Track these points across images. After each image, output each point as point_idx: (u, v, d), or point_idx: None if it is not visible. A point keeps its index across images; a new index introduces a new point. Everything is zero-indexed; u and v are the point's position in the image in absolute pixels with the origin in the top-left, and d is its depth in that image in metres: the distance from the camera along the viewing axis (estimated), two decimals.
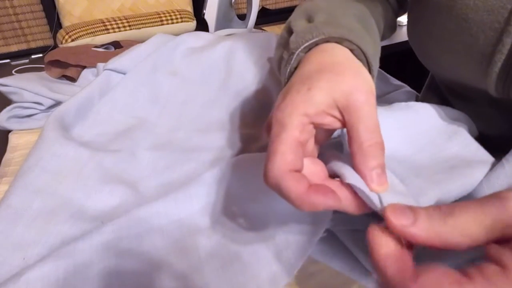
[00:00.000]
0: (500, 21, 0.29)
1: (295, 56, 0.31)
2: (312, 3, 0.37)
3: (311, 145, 0.27)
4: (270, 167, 0.23)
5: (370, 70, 0.30)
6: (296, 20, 0.35)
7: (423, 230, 0.19)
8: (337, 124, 0.26)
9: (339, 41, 0.30)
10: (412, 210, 0.19)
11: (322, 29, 0.30)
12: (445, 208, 0.19)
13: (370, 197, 0.22)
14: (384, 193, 0.23)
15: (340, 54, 0.29)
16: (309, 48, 0.31)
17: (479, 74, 0.33)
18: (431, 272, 0.17)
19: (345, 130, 0.26)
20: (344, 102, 0.25)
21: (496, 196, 0.19)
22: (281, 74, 0.34)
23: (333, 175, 0.26)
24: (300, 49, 0.31)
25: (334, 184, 0.24)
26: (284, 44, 0.34)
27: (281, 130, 0.24)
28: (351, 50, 0.30)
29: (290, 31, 0.34)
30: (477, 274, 0.17)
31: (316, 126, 0.26)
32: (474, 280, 0.17)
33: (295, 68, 0.31)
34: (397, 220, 0.19)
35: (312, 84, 0.26)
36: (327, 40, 0.30)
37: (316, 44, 0.31)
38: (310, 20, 0.34)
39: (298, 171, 0.24)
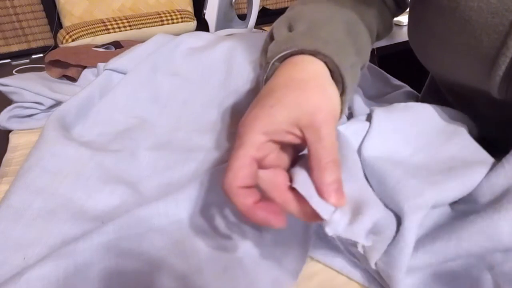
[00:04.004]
0: (505, 23, 0.29)
1: (270, 65, 0.32)
2: (297, 10, 0.37)
3: (274, 158, 0.28)
4: (224, 181, 0.26)
5: (343, 83, 0.31)
6: (278, 28, 0.36)
7: None
8: (297, 141, 0.27)
9: (313, 53, 0.31)
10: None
11: (298, 40, 0.31)
12: None
13: (321, 210, 0.24)
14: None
15: (309, 69, 0.30)
16: (284, 58, 0.32)
17: (481, 76, 0.33)
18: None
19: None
20: (306, 122, 0.26)
21: None
22: (260, 81, 0.35)
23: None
24: (275, 59, 0.32)
25: (288, 197, 0.26)
26: (265, 49, 0.36)
27: (239, 146, 0.26)
28: (325, 62, 0.31)
29: (272, 38, 0.35)
30: None
31: (277, 143, 0.27)
32: None
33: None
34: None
35: (275, 100, 0.27)
36: (301, 52, 0.31)
37: (291, 54, 0.31)
38: (290, 29, 0.35)
39: (249, 186, 0.26)
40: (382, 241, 0.27)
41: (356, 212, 0.26)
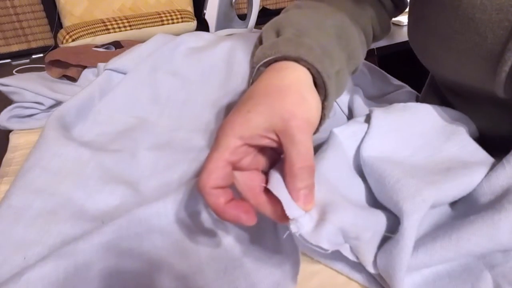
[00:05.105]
0: (510, 19, 0.29)
1: (255, 70, 0.33)
2: (287, 15, 0.38)
3: (250, 161, 0.29)
4: (198, 182, 0.27)
5: (325, 89, 0.31)
6: (266, 32, 0.37)
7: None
8: (274, 145, 0.28)
9: (296, 60, 0.31)
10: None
11: (282, 46, 0.32)
12: None
13: (288, 208, 0.25)
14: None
15: (290, 76, 0.30)
16: (269, 63, 0.32)
17: (485, 73, 0.33)
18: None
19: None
20: (281, 127, 0.27)
21: None
22: (248, 84, 0.36)
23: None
24: (260, 64, 0.32)
25: (262, 198, 0.27)
26: (253, 53, 0.36)
27: (215, 149, 0.27)
28: (308, 69, 0.31)
29: (261, 42, 0.36)
30: None
31: (253, 146, 0.28)
32: None
33: None
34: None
35: (252, 106, 0.28)
36: (285, 58, 0.32)
37: (275, 60, 0.32)
38: (278, 34, 0.36)
39: (222, 187, 0.27)
40: (365, 243, 0.27)
41: (321, 218, 0.26)
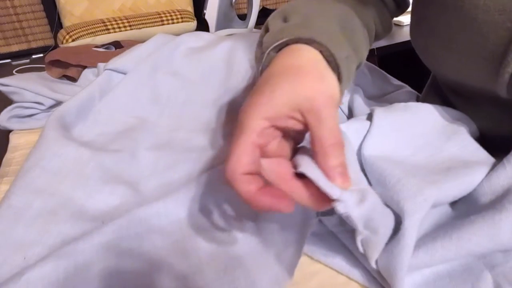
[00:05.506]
0: None
1: (265, 55, 0.32)
2: (291, 5, 0.38)
3: (276, 146, 0.28)
4: (226, 169, 0.25)
5: (338, 72, 0.31)
6: (273, 20, 0.36)
7: None
8: (299, 126, 0.27)
9: (308, 42, 0.30)
10: None
11: (293, 30, 0.31)
12: None
13: (329, 189, 0.24)
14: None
15: (306, 56, 0.29)
16: (279, 48, 0.31)
17: (488, 74, 0.32)
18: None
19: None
20: (307, 106, 0.26)
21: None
22: (256, 72, 0.35)
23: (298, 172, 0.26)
24: (270, 48, 0.31)
25: (295, 184, 0.25)
26: (260, 42, 0.35)
27: (240, 132, 0.26)
28: (320, 51, 0.30)
29: (267, 30, 0.35)
30: None
31: (279, 129, 0.27)
32: None
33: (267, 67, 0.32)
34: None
35: (275, 86, 0.27)
36: (296, 41, 0.31)
37: (287, 44, 0.31)
38: (285, 20, 0.35)
39: (252, 173, 0.25)
40: (379, 238, 0.27)
41: (360, 197, 0.25)
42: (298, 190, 0.25)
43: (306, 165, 0.25)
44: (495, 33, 0.30)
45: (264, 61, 0.32)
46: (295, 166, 0.27)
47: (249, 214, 0.34)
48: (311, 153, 0.26)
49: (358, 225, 0.25)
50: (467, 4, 0.31)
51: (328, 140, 0.25)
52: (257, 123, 0.26)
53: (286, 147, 0.29)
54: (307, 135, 0.28)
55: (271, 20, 0.36)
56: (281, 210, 0.25)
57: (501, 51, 0.30)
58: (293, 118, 0.26)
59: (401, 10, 0.49)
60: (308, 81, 0.27)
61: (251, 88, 0.55)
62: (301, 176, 0.26)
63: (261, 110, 0.26)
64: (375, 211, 0.26)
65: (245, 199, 0.25)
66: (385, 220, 0.28)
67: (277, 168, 0.26)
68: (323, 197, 0.24)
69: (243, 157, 0.25)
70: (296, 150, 0.30)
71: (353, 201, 0.25)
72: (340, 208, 0.24)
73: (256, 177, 0.26)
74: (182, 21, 1.02)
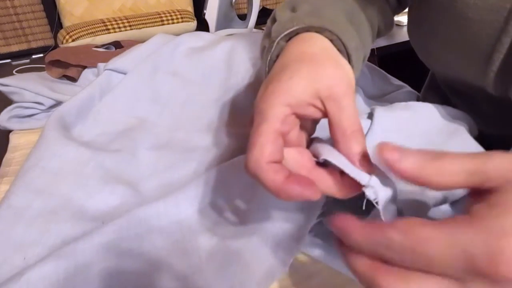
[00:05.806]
0: (500, 20, 0.29)
1: (275, 44, 0.31)
2: None
3: (296, 135, 0.27)
4: (249, 159, 0.24)
5: (349, 61, 0.30)
6: (281, 10, 0.35)
7: (409, 166, 0.20)
8: (318, 114, 0.26)
9: (319, 30, 0.30)
10: (401, 149, 0.21)
11: (303, 18, 0.31)
12: (435, 152, 0.20)
13: (358, 175, 0.23)
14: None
15: (318, 44, 0.29)
16: (289, 37, 0.31)
17: (479, 72, 0.33)
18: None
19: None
20: (326, 94, 0.25)
21: (484, 152, 0.20)
22: (263, 62, 0.34)
23: (320, 161, 0.26)
24: (280, 37, 0.31)
25: (319, 173, 0.25)
26: (267, 33, 0.35)
27: (262, 121, 0.25)
28: (331, 41, 0.30)
29: (274, 21, 0.35)
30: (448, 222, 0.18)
31: (299, 117, 0.26)
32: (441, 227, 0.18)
33: (277, 57, 0.31)
34: (388, 155, 0.21)
35: (294, 73, 0.26)
36: (307, 30, 0.30)
37: (297, 33, 0.31)
38: (294, 10, 0.34)
39: (277, 162, 0.24)
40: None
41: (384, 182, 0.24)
42: (323, 179, 0.25)
43: (330, 153, 0.25)
44: (484, 32, 0.31)
45: (273, 50, 0.31)
46: (315, 155, 0.26)
47: (248, 212, 0.34)
48: (331, 142, 0.26)
49: (384, 211, 0.24)
50: (458, 3, 0.32)
51: (349, 127, 0.25)
52: (280, 110, 0.25)
53: (303, 138, 0.28)
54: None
55: (278, 10, 0.35)
56: (310, 197, 0.24)
57: (489, 50, 0.31)
58: (313, 106, 0.26)
59: (402, 7, 0.49)
60: (326, 68, 0.26)
61: (252, 87, 0.55)
62: (321, 166, 0.25)
63: (282, 97, 0.25)
64: (396, 196, 0.26)
65: (272, 189, 0.24)
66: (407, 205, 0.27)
67: (299, 158, 0.26)
68: (350, 184, 0.24)
69: (267, 146, 0.24)
70: (310, 141, 0.29)
71: (382, 187, 0.24)
72: (370, 193, 0.23)
73: (282, 166, 0.24)
74: (182, 21, 1.02)
